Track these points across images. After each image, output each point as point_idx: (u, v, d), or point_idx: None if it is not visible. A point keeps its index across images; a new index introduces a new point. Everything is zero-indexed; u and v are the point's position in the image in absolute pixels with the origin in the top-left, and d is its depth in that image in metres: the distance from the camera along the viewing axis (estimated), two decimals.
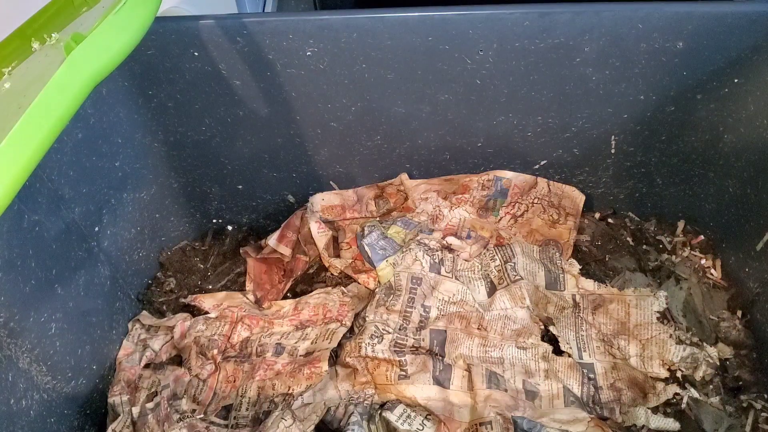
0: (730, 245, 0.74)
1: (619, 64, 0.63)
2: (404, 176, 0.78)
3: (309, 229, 0.77)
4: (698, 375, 0.65)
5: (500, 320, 0.69)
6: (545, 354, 0.66)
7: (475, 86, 0.66)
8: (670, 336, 0.67)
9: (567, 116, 0.69)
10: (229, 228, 0.85)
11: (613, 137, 0.72)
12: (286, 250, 0.77)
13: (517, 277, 0.70)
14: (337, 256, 0.77)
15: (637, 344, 0.67)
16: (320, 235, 0.77)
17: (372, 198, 0.80)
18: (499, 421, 0.58)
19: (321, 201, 0.79)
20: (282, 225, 0.79)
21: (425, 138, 0.73)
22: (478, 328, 0.68)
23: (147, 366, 0.67)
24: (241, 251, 0.80)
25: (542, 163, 0.76)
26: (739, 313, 0.71)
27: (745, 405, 0.63)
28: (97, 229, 0.65)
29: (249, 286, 0.76)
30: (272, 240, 0.77)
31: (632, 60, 0.63)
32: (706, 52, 0.62)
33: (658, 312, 0.69)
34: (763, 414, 0.62)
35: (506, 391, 0.62)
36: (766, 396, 0.64)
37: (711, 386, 0.65)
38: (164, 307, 0.76)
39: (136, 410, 0.63)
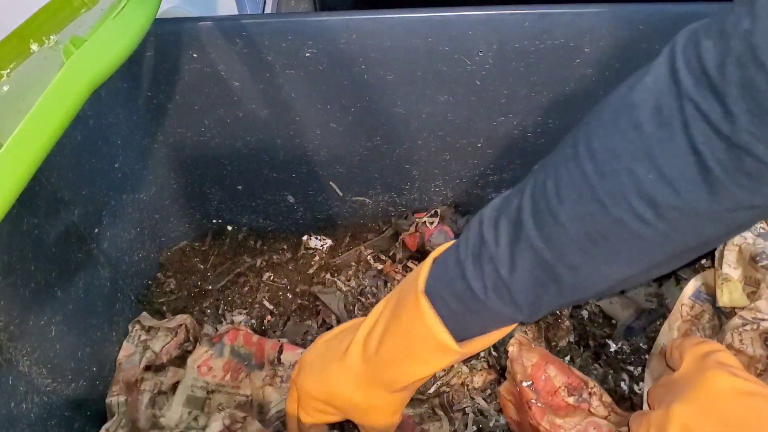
0: None
1: (619, 66, 0.63)
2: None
3: None
4: None
5: None
6: None
7: (474, 87, 0.66)
8: None
9: (567, 117, 0.69)
10: (229, 228, 0.85)
11: None
12: None
13: None
14: None
15: None
16: None
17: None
18: None
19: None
20: None
21: (425, 139, 0.72)
22: None
23: (148, 368, 0.67)
24: None
25: None
26: None
27: None
28: (96, 230, 0.65)
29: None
30: None
31: (633, 61, 0.63)
32: None
33: None
34: None
35: None
36: None
37: None
38: (164, 308, 0.76)
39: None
